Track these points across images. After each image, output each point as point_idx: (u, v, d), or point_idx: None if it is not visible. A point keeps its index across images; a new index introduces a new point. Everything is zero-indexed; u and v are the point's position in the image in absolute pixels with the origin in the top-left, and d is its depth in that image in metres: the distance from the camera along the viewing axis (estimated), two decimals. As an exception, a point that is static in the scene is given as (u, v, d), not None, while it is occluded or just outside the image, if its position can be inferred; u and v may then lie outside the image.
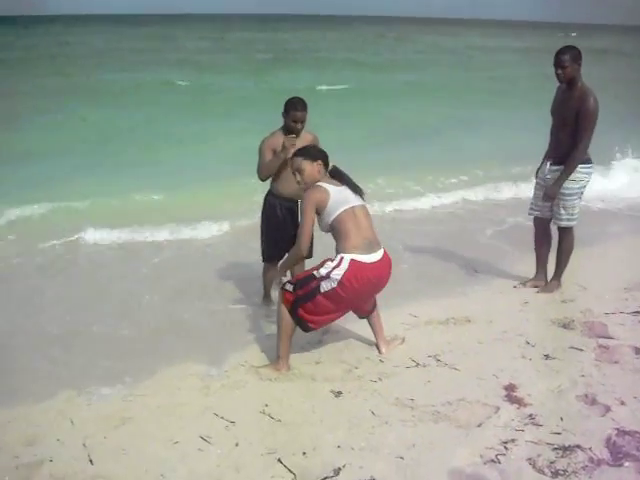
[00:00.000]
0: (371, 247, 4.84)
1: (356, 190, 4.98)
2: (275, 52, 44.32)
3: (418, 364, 5.12)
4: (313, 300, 4.80)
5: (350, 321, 5.76)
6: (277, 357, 5.05)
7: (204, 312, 6.34)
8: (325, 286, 4.75)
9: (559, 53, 6.04)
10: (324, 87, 24.38)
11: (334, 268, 4.74)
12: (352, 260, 4.73)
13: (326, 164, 5.02)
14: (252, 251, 6.83)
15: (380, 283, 4.98)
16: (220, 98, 22.17)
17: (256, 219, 6.49)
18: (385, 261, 4.94)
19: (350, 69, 33.17)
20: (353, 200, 4.90)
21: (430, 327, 5.84)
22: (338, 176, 5.01)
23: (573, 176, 6.15)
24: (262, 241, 6.21)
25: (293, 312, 4.87)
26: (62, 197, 10.04)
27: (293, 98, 5.80)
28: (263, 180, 5.97)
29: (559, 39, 55.07)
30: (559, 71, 6.06)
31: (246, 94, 23.12)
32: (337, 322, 5.66)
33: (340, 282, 4.72)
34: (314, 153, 5.00)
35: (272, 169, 5.84)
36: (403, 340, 5.50)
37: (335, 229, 4.85)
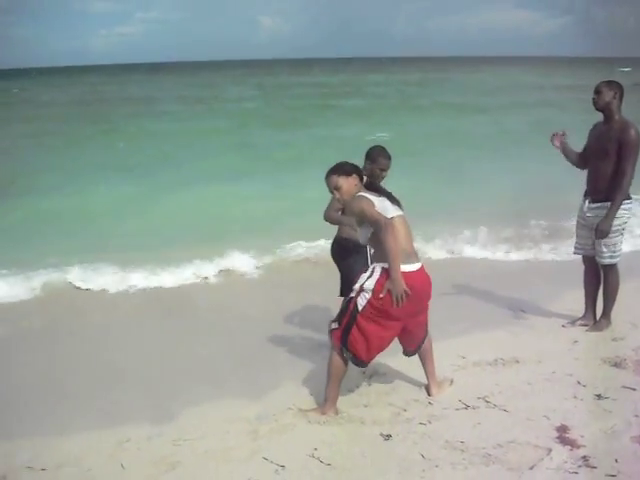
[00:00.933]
0: (408, 258, 4.76)
1: (394, 200, 4.94)
2: (313, 98, 44.47)
3: (467, 406, 5.06)
4: (356, 324, 4.75)
5: (397, 363, 5.74)
6: (324, 400, 5.03)
7: (252, 353, 6.35)
8: (361, 302, 4.73)
9: (598, 88, 6.17)
10: (375, 135, 23.99)
11: (367, 279, 4.74)
12: (384, 268, 4.68)
13: (361, 177, 4.95)
14: (298, 288, 6.84)
15: (418, 296, 4.77)
16: (284, 154, 21.58)
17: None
18: (423, 274, 4.88)
19: (393, 114, 33.20)
20: (392, 210, 4.82)
21: (479, 368, 5.78)
22: (374, 188, 4.99)
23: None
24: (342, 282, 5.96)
25: (345, 348, 4.82)
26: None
27: (377, 146, 5.81)
28: (326, 221, 5.84)
29: (609, 74, 54.54)
30: (594, 96, 6.15)
31: (298, 145, 22.97)
32: (384, 364, 5.67)
33: (374, 291, 4.68)
34: (348, 168, 4.92)
35: (338, 223, 5.83)
36: (452, 382, 5.45)
37: (374, 239, 4.77)
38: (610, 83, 6.15)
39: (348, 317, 4.78)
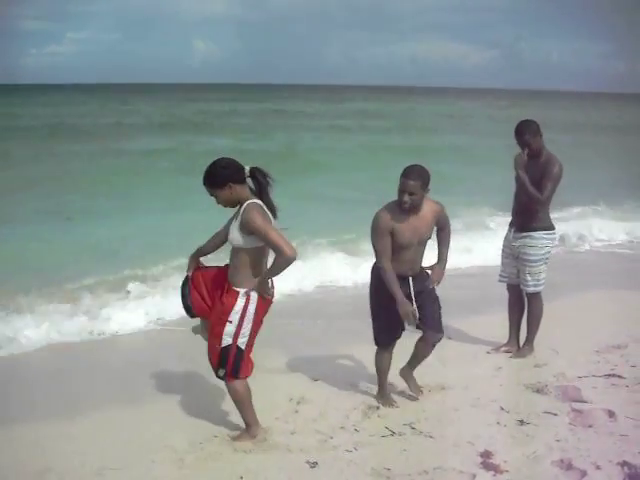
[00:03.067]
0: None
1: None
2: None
3: (394, 433, 5.09)
4: (243, 357, 4.81)
5: (324, 390, 5.77)
6: (247, 426, 5.01)
7: (178, 382, 6.27)
8: (242, 340, 4.77)
9: (519, 133, 6.30)
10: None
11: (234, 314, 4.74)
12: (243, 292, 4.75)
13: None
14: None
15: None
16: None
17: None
18: None
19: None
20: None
21: (405, 395, 5.82)
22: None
23: (538, 242, 6.29)
24: (374, 322, 5.56)
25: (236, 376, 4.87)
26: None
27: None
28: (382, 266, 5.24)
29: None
30: (526, 150, 6.27)
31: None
32: (312, 390, 5.68)
33: (244, 319, 4.75)
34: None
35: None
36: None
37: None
38: (531, 131, 6.27)
39: (232, 361, 4.77)
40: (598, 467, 4.51)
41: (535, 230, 6.30)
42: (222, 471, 4.62)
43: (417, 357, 5.67)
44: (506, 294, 6.87)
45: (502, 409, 5.47)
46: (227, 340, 4.69)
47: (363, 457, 4.73)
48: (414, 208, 5.12)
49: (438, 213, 5.35)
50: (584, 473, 4.44)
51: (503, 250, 6.73)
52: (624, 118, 54.28)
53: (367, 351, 6.34)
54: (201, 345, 5.01)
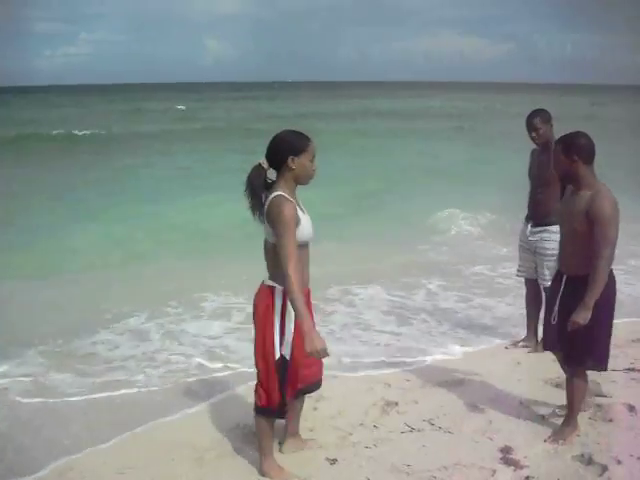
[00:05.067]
0: None
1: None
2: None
3: (413, 429, 5.08)
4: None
5: (343, 387, 5.77)
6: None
7: (197, 378, 6.28)
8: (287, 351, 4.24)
9: (530, 117, 6.30)
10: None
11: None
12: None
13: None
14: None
15: None
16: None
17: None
18: None
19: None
20: None
21: (424, 390, 5.82)
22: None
23: (554, 236, 6.22)
24: (598, 342, 4.75)
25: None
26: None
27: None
28: None
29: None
30: (533, 134, 6.29)
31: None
32: (330, 388, 5.68)
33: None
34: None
35: None
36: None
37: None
38: (543, 117, 6.29)
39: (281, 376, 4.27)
40: (619, 462, 4.51)
41: (552, 224, 6.26)
42: (242, 468, 4.63)
43: None
44: (524, 289, 6.86)
45: (521, 404, 5.46)
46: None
47: (383, 453, 4.73)
48: None
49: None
50: (605, 468, 4.43)
51: (520, 245, 6.72)
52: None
53: (383, 348, 6.36)
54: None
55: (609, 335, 4.71)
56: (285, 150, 4.07)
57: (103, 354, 6.90)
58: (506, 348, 6.84)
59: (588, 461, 4.52)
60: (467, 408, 5.43)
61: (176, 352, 6.94)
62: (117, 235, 12.35)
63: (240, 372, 6.31)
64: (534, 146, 6.51)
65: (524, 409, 5.37)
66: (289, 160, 4.05)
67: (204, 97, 78.46)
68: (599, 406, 5.34)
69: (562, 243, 4.85)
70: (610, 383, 5.78)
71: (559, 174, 4.88)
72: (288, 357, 4.17)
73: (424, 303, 8.52)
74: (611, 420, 5.14)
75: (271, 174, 4.20)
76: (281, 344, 4.15)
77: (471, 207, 14.02)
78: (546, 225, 6.35)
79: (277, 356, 4.16)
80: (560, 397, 5.54)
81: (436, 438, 4.94)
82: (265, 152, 4.16)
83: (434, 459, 4.60)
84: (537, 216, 6.46)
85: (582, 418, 5.12)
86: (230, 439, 5.04)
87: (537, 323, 6.80)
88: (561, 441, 4.82)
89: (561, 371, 6.03)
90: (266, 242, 4.18)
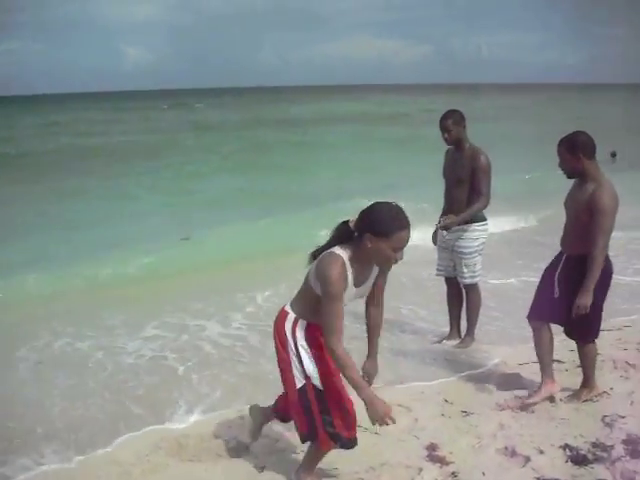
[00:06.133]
0: None
1: None
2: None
3: (340, 432, 5.10)
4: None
5: (271, 394, 5.75)
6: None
7: (114, 398, 6.18)
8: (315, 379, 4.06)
9: (442, 119, 6.39)
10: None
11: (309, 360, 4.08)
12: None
13: None
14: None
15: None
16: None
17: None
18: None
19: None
20: None
21: (350, 393, 5.82)
22: None
23: (471, 234, 6.37)
24: (599, 317, 5.38)
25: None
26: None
27: None
28: None
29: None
30: (445, 135, 6.39)
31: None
32: (255, 399, 5.67)
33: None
34: None
35: None
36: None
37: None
38: (455, 118, 6.37)
39: (318, 411, 4.06)
40: (541, 451, 4.61)
41: (467, 223, 6.39)
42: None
43: None
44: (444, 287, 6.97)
45: (446, 401, 5.54)
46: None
47: (310, 459, 4.72)
48: None
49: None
50: (528, 458, 4.54)
51: (438, 244, 6.80)
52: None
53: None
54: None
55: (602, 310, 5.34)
56: (369, 226, 3.73)
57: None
58: (430, 345, 6.93)
59: (512, 453, 4.60)
60: (393, 408, 5.44)
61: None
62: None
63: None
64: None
65: (449, 406, 5.45)
66: (366, 236, 3.73)
67: (125, 107, 77.15)
68: (521, 398, 5.44)
69: (565, 226, 5.39)
70: (531, 375, 5.91)
71: (566, 172, 5.22)
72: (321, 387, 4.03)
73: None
74: (533, 412, 5.26)
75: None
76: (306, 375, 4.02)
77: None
78: (462, 224, 6.44)
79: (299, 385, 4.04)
80: (484, 392, 5.67)
81: (363, 440, 4.90)
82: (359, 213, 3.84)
83: (361, 460, 4.61)
84: (453, 214, 6.51)
85: (504, 411, 5.24)
86: (155, 454, 4.97)
87: (459, 320, 6.92)
88: (576, 400, 5.44)
89: (485, 366, 6.20)
90: (308, 280, 3.98)
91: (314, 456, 4.29)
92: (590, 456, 4.54)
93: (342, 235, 3.87)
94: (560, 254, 5.45)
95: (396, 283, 9.58)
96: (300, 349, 4.02)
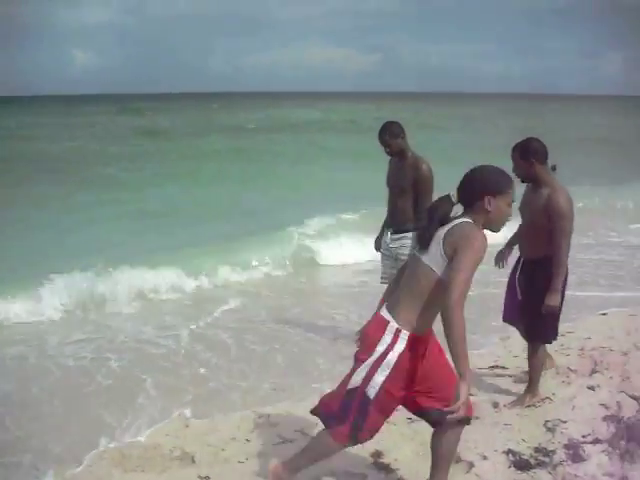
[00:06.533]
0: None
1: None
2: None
3: (285, 440, 5.08)
4: (368, 418, 3.84)
5: (217, 402, 5.73)
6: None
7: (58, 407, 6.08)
8: (373, 388, 3.77)
9: (380, 134, 6.41)
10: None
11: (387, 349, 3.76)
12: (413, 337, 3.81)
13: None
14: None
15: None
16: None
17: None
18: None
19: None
20: None
21: (290, 401, 5.86)
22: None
23: (409, 242, 6.40)
24: (554, 319, 5.50)
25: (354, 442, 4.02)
26: None
27: None
28: None
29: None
30: (386, 149, 6.45)
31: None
32: (203, 406, 5.64)
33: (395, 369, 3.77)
34: None
35: None
36: None
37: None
38: (392, 130, 6.38)
39: (356, 411, 3.82)
40: (485, 457, 4.67)
41: (411, 230, 6.42)
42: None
43: None
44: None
45: (391, 407, 5.55)
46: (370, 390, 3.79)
47: (255, 467, 4.70)
48: None
49: None
50: (471, 464, 4.59)
51: (382, 253, 6.81)
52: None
53: (256, 361, 6.36)
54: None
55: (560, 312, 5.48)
56: (483, 187, 3.64)
57: None
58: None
59: (456, 459, 4.62)
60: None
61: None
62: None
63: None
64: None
65: (394, 412, 5.44)
66: (485, 200, 3.62)
67: (71, 111, 75.75)
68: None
69: (521, 231, 5.65)
70: (476, 382, 5.95)
71: (520, 176, 5.35)
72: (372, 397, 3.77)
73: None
74: (477, 418, 5.29)
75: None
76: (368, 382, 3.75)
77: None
78: (406, 232, 6.47)
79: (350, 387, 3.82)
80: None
81: (309, 448, 4.95)
82: (459, 184, 3.73)
83: (307, 469, 4.59)
84: (397, 223, 6.56)
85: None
86: (97, 465, 4.89)
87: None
88: (519, 406, 5.55)
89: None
90: (417, 274, 3.72)
91: (315, 451, 4.12)
92: (532, 461, 4.61)
93: (448, 210, 3.70)
94: (519, 258, 5.69)
95: (335, 291, 9.70)
96: (384, 364, 3.71)
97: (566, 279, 5.41)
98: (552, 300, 5.27)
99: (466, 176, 3.74)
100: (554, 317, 5.44)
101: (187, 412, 5.72)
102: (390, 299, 3.88)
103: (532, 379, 5.64)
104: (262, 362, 6.82)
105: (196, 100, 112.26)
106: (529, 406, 5.50)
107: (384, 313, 3.80)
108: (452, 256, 3.53)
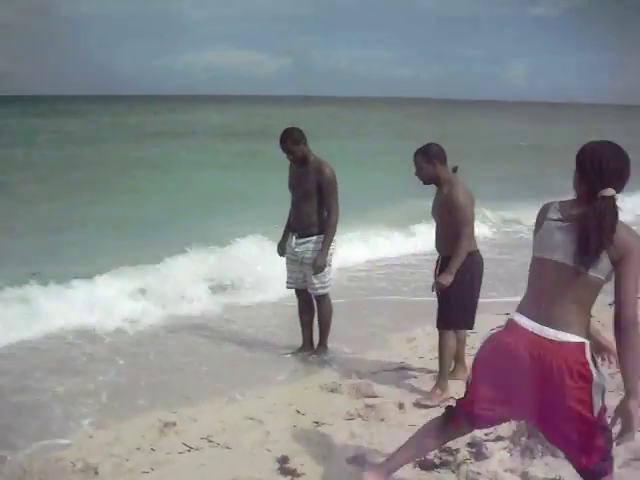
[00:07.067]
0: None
1: None
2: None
3: (191, 448, 5.00)
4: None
5: (118, 413, 5.62)
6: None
7: None
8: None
9: (280, 142, 6.43)
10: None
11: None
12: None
13: None
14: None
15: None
16: None
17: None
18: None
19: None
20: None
21: (202, 407, 5.77)
22: None
23: (320, 246, 6.43)
24: (461, 307, 5.74)
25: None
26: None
27: None
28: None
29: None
30: (290, 157, 6.49)
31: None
32: (106, 415, 5.53)
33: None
34: None
35: None
36: None
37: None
38: (293, 137, 6.41)
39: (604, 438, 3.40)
40: (390, 459, 4.68)
41: (316, 234, 6.45)
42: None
43: None
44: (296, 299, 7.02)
45: (298, 412, 5.55)
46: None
47: (160, 476, 4.60)
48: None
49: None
50: (377, 466, 4.59)
51: (287, 257, 6.80)
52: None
53: (165, 371, 6.28)
54: None
55: (473, 302, 5.79)
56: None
57: None
58: (284, 356, 6.92)
59: (362, 462, 4.65)
60: (245, 422, 5.43)
61: None
62: None
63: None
64: None
65: (301, 417, 5.47)
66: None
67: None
68: (371, 407, 5.53)
69: (436, 231, 5.94)
70: (382, 384, 6.03)
71: (424, 178, 5.77)
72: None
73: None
74: (383, 419, 5.36)
75: None
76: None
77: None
78: (310, 236, 6.50)
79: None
80: (336, 401, 5.73)
81: (214, 455, 4.90)
82: (603, 173, 3.31)
83: (213, 477, 4.55)
84: (302, 227, 6.58)
85: (356, 421, 5.32)
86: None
87: (312, 330, 6.96)
88: (429, 401, 5.65)
89: (337, 376, 6.28)
90: (577, 284, 3.35)
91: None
92: (437, 460, 4.66)
93: (617, 211, 3.33)
94: (438, 257, 5.95)
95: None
96: (605, 378, 3.39)
97: (480, 271, 5.80)
98: (444, 279, 5.57)
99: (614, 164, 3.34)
100: (459, 305, 5.69)
101: (91, 422, 5.58)
102: (543, 316, 3.42)
103: (440, 371, 5.84)
104: (170, 370, 6.72)
105: (105, 103, 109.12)
106: (435, 406, 5.53)
107: (567, 335, 3.35)
108: (618, 262, 3.27)
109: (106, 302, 8.40)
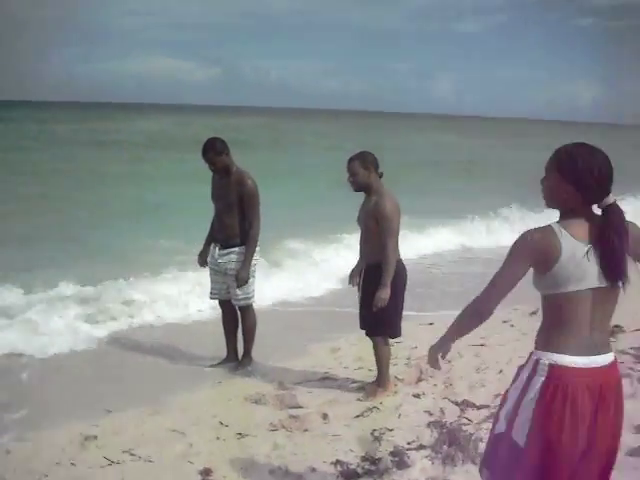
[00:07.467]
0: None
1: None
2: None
3: (112, 462, 4.92)
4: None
5: (40, 426, 5.50)
6: None
7: None
8: (521, 433, 3.00)
9: (203, 152, 6.41)
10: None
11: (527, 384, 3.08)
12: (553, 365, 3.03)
13: None
14: None
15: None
16: None
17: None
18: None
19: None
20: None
21: (124, 420, 5.69)
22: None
23: (241, 257, 6.43)
24: (388, 315, 5.87)
25: None
26: None
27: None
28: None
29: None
30: (212, 167, 6.48)
31: None
32: (25, 430, 5.41)
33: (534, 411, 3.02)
34: None
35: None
36: None
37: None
38: (216, 148, 6.39)
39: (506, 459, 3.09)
40: (313, 469, 4.72)
41: (239, 245, 6.45)
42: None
43: None
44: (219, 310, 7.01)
45: (221, 424, 5.51)
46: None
47: (80, 493, 4.55)
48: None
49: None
50: (300, 477, 4.63)
51: (211, 268, 6.78)
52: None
53: (86, 384, 6.18)
54: None
55: (398, 311, 5.98)
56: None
57: None
58: (207, 368, 6.88)
59: (284, 473, 4.66)
60: (168, 434, 5.38)
61: None
62: None
63: None
64: None
65: (224, 429, 5.43)
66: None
67: None
68: (295, 417, 5.54)
69: (360, 239, 6.06)
70: (306, 394, 6.05)
71: (356, 185, 5.89)
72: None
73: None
74: (306, 430, 5.37)
75: None
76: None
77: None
78: (233, 247, 6.50)
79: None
80: (260, 413, 5.73)
81: (136, 468, 4.84)
82: (604, 180, 3.01)
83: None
84: (224, 238, 6.56)
85: (280, 432, 5.32)
86: None
87: (236, 341, 6.94)
88: (371, 398, 5.97)
89: (261, 387, 6.27)
90: (615, 291, 3.08)
91: None
92: (360, 470, 4.71)
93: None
94: (361, 264, 6.10)
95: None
96: None
97: (404, 281, 5.97)
98: (382, 293, 5.69)
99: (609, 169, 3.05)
100: (386, 313, 5.79)
101: (10, 437, 5.44)
102: (590, 347, 3.09)
103: (379, 371, 6.13)
104: (92, 383, 6.60)
105: (31, 109, 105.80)
106: (358, 416, 5.59)
107: (606, 357, 3.12)
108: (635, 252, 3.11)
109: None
